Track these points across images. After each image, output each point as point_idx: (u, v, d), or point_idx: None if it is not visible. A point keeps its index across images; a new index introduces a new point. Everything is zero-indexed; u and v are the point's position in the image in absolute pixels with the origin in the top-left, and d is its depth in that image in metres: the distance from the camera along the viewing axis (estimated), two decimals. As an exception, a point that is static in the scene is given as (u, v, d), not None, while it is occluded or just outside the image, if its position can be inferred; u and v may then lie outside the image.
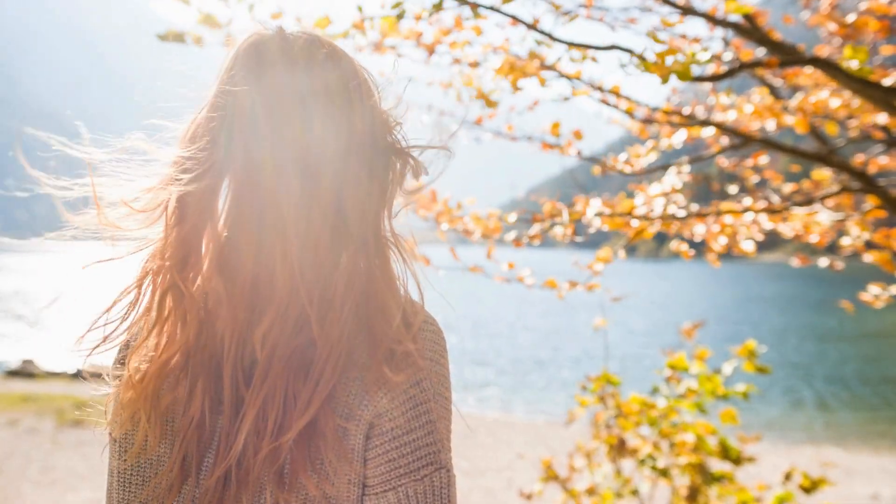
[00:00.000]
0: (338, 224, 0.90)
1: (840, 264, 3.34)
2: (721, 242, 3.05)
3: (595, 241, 3.91)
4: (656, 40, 2.18)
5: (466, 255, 3.28)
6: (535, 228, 3.13)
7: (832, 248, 3.41)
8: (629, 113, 3.44)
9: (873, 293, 3.29)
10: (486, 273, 3.25)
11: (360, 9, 2.81)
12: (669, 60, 2.10)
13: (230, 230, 0.91)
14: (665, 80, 2.09)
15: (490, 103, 2.54)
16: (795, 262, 3.68)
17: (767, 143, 3.28)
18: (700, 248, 3.25)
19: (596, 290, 3.26)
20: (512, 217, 3.18)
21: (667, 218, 3.11)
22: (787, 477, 3.67)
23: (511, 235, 3.20)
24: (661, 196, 3.42)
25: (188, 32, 2.71)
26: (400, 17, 2.67)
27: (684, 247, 3.27)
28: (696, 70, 2.22)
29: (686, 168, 3.56)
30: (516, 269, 3.28)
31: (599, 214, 3.07)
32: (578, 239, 3.23)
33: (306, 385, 0.85)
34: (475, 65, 3.17)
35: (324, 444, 0.85)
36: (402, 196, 0.98)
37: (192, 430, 0.88)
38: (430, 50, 3.11)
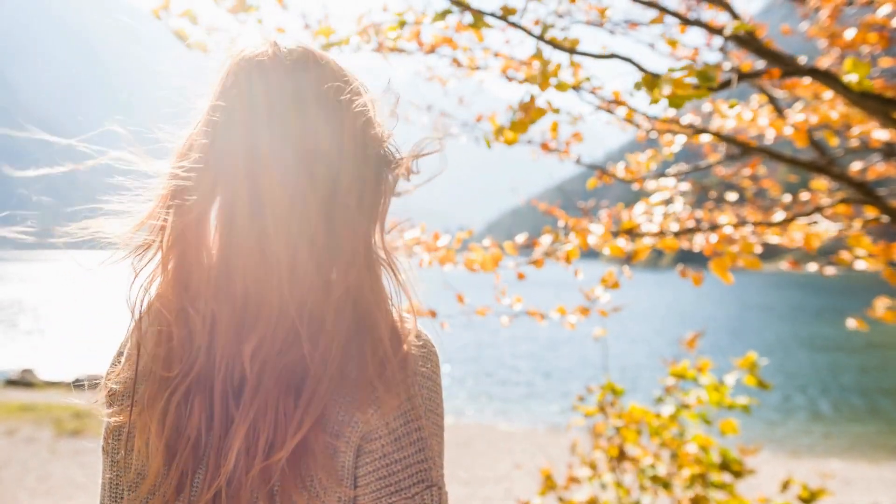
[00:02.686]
0: (329, 240, 0.89)
1: (831, 270, 3.31)
2: (726, 265, 3.03)
3: (597, 252, 3.90)
4: (649, 82, 2.15)
5: (469, 280, 3.25)
6: (538, 253, 3.12)
7: (825, 253, 3.39)
8: (629, 120, 3.44)
9: (885, 306, 3.24)
10: (495, 312, 3.23)
11: (359, 19, 2.81)
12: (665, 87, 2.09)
13: (223, 248, 0.91)
14: (679, 105, 2.08)
15: (509, 140, 2.52)
16: (785, 265, 3.67)
17: (766, 153, 3.28)
18: (704, 262, 3.23)
19: (600, 306, 3.25)
20: (512, 246, 3.16)
21: (667, 233, 3.10)
22: (784, 487, 3.65)
23: (514, 265, 3.18)
24: (661, 205, 3.42)
25: (195, 41, 2.70)
26: (402, 24, 2.68)
27: (692, 272, 3.25)
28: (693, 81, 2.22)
29: (683, 176, 3.56)
30: (523, 298, 3.26)
31: (602, 241, 3.05)
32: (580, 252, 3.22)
33: (298, 404, 0.85)
34: (475, 68, 3.17)
35: (313, 463, 0.84)
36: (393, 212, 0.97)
37: (190, 448, 0.88)
38: (431, 49, 3.11)
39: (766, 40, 3.01)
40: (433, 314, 2.98)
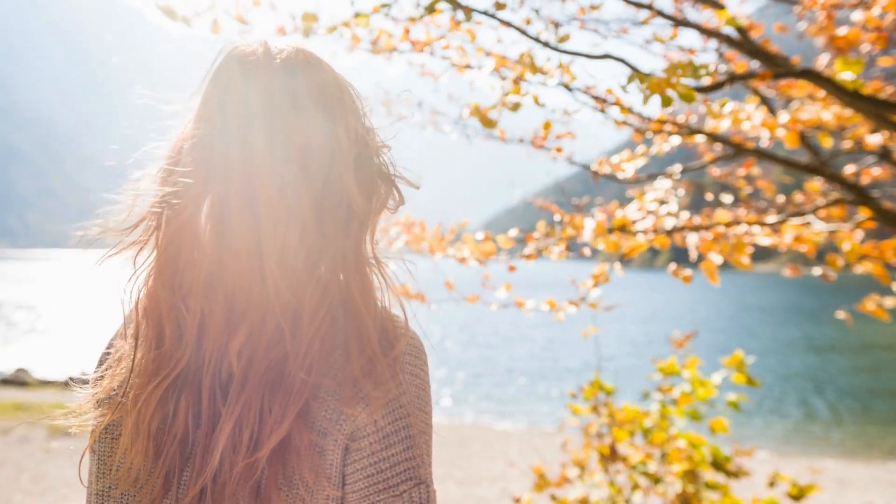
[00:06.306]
0: (319, 238, 0.90)
1: (833, 275, 3.33)
2: (716, 261, 3.04)
3: (593, 253, 3.91)
4: (641, 78, 2.15)
5: (461, 271, 3.26)
6: (530, 248, 3.13)
7: (823, 257, 3.41)
8: (623, 122, 3.44)
9: (874, 304, 3.26)
10: (483, 300, 3.24)
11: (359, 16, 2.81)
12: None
13: (215, 245, 0.91)
14: (667, 103, 2.09)
15: (488, 123, 2.53)
16: (787, 272, 3.68)
17: (760, 154, 3.29)
18: (698, 262, 3.24)
19: (594, 306, 3.26)
20: (507, 239, 3.17)
21: (660, 231, 3.11)
22: (772, 484, 3.66)
23: (505, 258, 3.19)
24: (656, 203, 3.43)
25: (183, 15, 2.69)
26: (387, 13, 2.67)
27: (683, 271, 3.25)
28: (690, 82, 2.22)
29: (678, 176, 3.57)
30: (513, 292, 3.27)
31: (595, 236, 3.05)
32: (572, 254, 3.22)
33: (280, 401, 0.85)
34: (466, 67, 3.18)
35: (298, 461, 0.84)
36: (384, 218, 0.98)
37: (176, 445, 0.88)
38: (422, 49, 3.11)
39: (762, 41, 3.03)
40: (423, 299, 3.00)
